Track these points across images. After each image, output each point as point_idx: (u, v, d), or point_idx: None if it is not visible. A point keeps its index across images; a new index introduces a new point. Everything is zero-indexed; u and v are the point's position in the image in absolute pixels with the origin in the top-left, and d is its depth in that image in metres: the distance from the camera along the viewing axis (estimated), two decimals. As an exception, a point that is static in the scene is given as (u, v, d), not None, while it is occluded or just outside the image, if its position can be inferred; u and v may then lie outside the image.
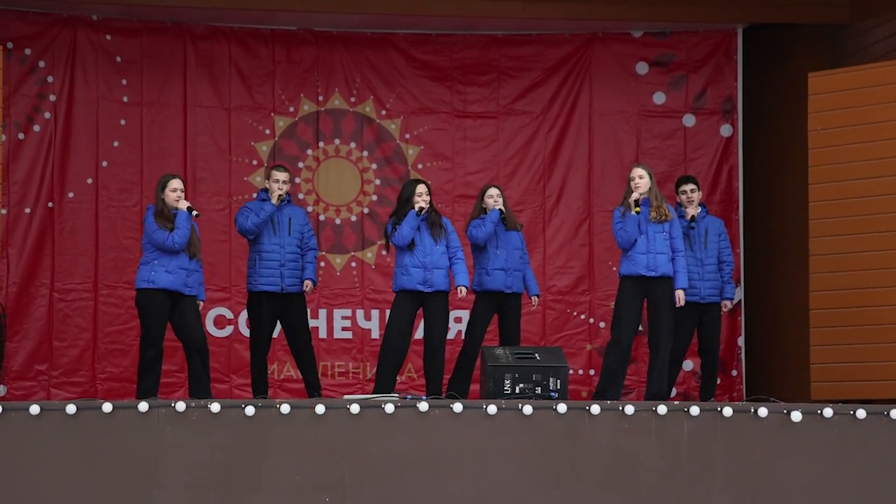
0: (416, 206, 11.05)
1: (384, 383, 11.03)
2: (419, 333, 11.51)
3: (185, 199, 10.75)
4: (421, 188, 11.19)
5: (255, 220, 11.25)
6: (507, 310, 11.55)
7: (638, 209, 10.92)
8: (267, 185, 11.44)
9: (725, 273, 11.79)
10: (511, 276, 11.47)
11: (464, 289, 11.12)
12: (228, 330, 13.24)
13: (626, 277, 11.02)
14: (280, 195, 11.31)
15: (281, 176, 11.39)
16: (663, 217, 11.02)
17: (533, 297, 11.72)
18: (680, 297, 11.06)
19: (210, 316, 13.12)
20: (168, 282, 10.55)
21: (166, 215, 10.60)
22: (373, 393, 10.96)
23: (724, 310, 11.91)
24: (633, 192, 11.01)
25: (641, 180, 11.02)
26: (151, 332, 10.58)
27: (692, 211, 11.67)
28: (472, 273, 11.56)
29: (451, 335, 11.96)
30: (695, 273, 11.60)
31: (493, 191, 11.60)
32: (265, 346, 11.48)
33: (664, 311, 11.01)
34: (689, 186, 11.79)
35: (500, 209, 11.44)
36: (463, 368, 11.50)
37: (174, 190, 10.69)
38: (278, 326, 11.61)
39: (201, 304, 10.88)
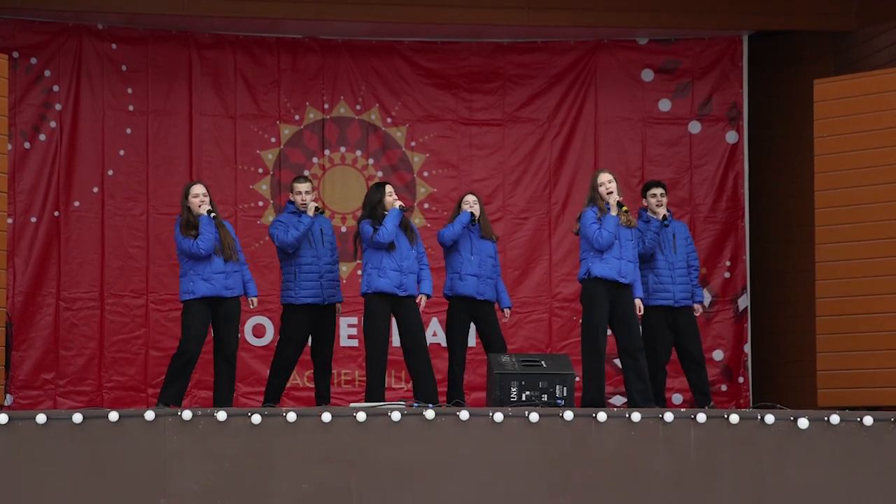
0: (397, 204, 11.03)
1: (378, 388, 10.93)
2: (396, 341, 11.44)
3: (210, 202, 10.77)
4: (390, 188, 11.18)
5: (295, 234, 11.16)
6: (481, 317, 11.49)
7: (626, 209, 10.94)
8: (291, 198, 11.37)
9: (693, 277, 11.80)
10: (483, 283, 11.43)
11: (425, 297, 11.08)
12: (235, 338, 13.24)
13: (597, 279, 10.95)
14: (317, 206, 11.29)
15: (304, 187, 11.34)
16: (632, 223, 11.06)
17: (505, 310, 11.68)
18: (639, 306, 11.12)
19: (216, 324, 13.12)
20: (207, 290, 10.57)
21: (192, 223, 10.63)
22: (366, 399, 10.89)
23: (697, 314, 11.88)
24: (600, 196, 10.99)
25: (612, 184, 11.03)
26: (189, 343, 10.58)
27: (662, 211, 11.66)
28: (445, 278, 11.51)
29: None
30: (666, 276, 11.60)
31: (470, 197, 11.58)
32: (295, 358, 11.39)
33: (634, 317, 11.02)
34: (658, 190, 11.78)
35: (471, 212, 11.41)
36: (455, 378, 11.43)
37: (196, 196, 10.73)
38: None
39: (255, 300, 10.90)
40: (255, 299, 10.93)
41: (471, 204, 11.49)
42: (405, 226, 11.11)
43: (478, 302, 11.43)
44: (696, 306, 11.85)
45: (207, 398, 12.02)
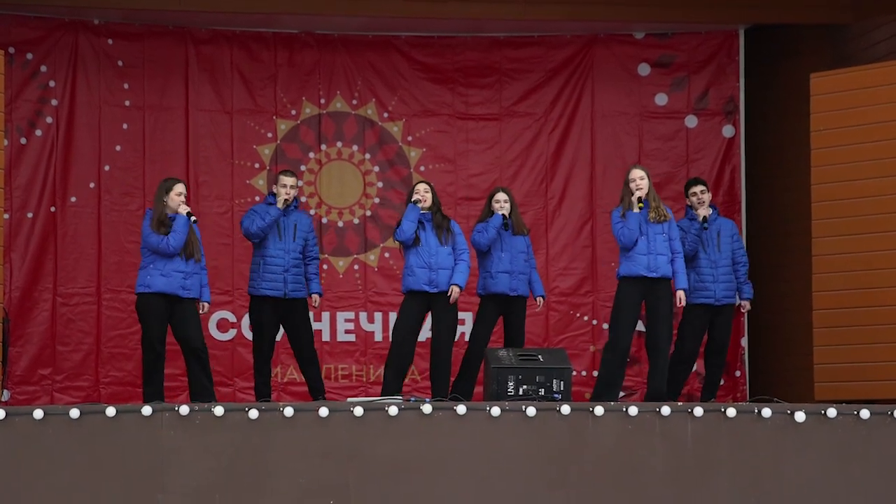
0: (413, 199, 11.08)
1: (392, 384, 11.02)
2: (423, 335, 11.50)
3: (187, 203, 10.76)
4: (420, 186, 11.28)
5: (259, 224, 11.23)
6: (511, 313, 11.55)
7: (641, 205, 10.95)
8: (275, 190, 11.41)
9: (741, 274, 11.79)
10: (516, 279, 11.46)
11: (457, 288, 11.11)
12: (231, 333, 13.24)
13: (626, 278, 11.02)
14: (286, 200, 11.31)
15: (289, 181, 11.36)
16: (662, 217, 11.05)
17: (538, 298, 11.71)
18: (681, 297, 11.08)
19: (213, 319, 13.12)
20: (164, 285, 10.54)
21: (163, 220, 10.60)
22: (381, 395, 10.95)
23: (744, 310, 11.95)
24: (633, 192, 11.03)
25: (643, 181, 11.05)
26: (150, 337, 10.59)
27: (703, 212, 11.65)
28: (478, 277, 11.57)
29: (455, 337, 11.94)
30: (708, 275, 11.60)
31: (501, 195, 11.59)
32: (268, 351, 11.48)
33: (665, 313, 11.03)
34: (699, 188, 11.78)
35: (503, 214, 11.43)
36: (468, 371, 11.50)
37: (179, 194, 10.70)
38: (281, 329, 11.60)
39: (206, 305, 10.87)
40: (206, 304, 10.87)
41: (501, 203, 11.50)
42: (437, 224, 11.16)
43: (510, 298, 11.48)
44: (744, 303, 11.86)
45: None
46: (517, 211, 11.69)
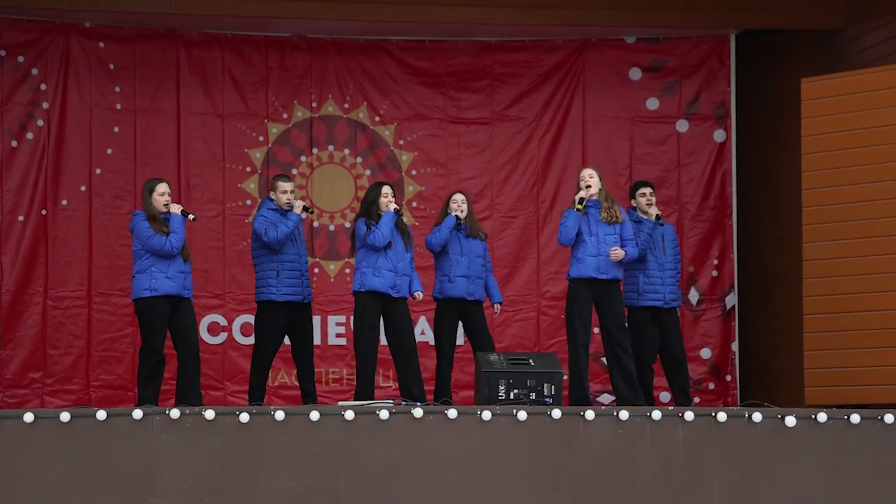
0: (391, 207, 11.02)
1: (368, 387, 10.92)
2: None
3: (174, 202, 10.72)
4: (386, 189, 11.15)
5: (284, 231, 11.08)
6: (470, 317, 11.46)
7: (580, 206, 10.91)
8: (272, 196, 11.31)
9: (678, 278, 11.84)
10: (473, 284, 11.40)
11: (420, 293, 11.08)
12: (222, 337, 13.22)
13: (575, 280, 11.00)
14: (305, 205, 11.26)
15: (288, 186, 11.29)
16: (614, 219, 11.04)
17: (496, 305, 11.67)
18: (619, 254, 11.02)
19: (204, 323, 13.10)
20: (170, 287, 10.53)
21: (159, 220, 10.58)
22: (355, 398, 10.88)
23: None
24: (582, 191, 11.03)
25: (591, 180, 11.04)
26: (154, 341, 10.55)
27: (655, 211, 11.65)
28: (434, 280, 11.51)
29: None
30: (657, 277, 11.59)
31: (458, 196, 11.51)
32: (272, 357, 11.37)
33: (619, 314, 11.02)
34: (647, 189, 11.74)
35: (455, 215, 11.38)
36: (444, 376, 11.42)
37: (162, 194, 10.68)
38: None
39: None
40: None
41: (458, 203, 11.45)
42: (401, 228, 11.10)
43: (467, 302, 11.42)
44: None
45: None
46: (474, 215, 11.62)
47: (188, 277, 10.66)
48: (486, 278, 11.56)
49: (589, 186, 11.03)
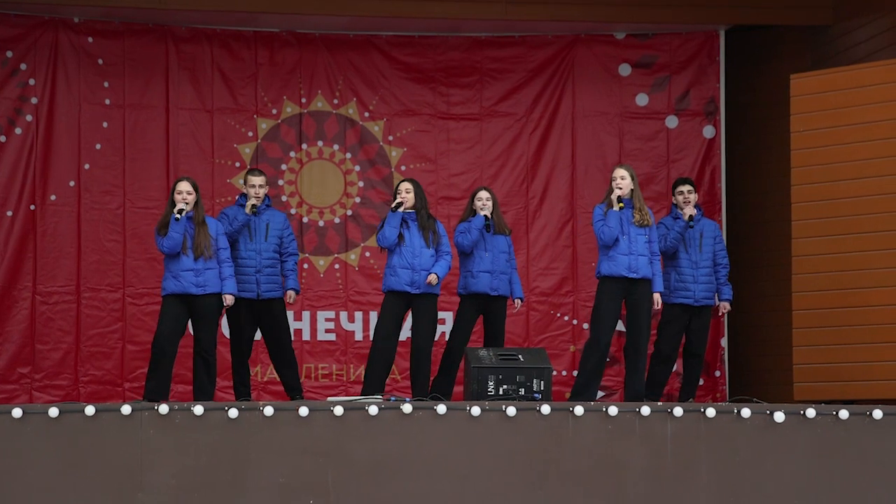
0: (394, 203, 11.05)
1: (373, 384, 10.99)
2: (403, 335, 11.48)
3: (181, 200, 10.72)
4: (402, 185, 11.20)
5: (228, 230, 11.14)
6: (491, 312, 11.53)
7: (622, 205, 10.94)
8: (245, 190, 11.37)
9: (722, 275, 11.80)
10: (497, 279, 11.45)
11: (435, 277, 11.05)
12: (211, 332, 13.20)
13: (606, 278, 11.02)
14: (254, 204, 11.24)
15: (257, 181, 11.31)
16: (645, 222, 11.05)
17: (516, 300, 11.70)
18: (657, 300, 11.10)
19: (192, 318, 13.09)
20: (175, 287, 10.60)
21: (165, 221, 10.64)
22: (361, 394, 10.93)
23: (723, 311, 11.98)
24: (615, 190, 11.05)
25: (623, 181, 11.05)
26: (157, 335, 10.66)
27: (689, 211, 11.66)
28: (458, 276, 11.56)
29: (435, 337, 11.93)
30: (689, 275, 11.61)
31: (483, 194, 11.58)
32: (246, 351, 11.46)
33: (644, 313, 11.04)
34: (685, 187, 11.79)
35: (485, 215, 11.42)
36: (447, 370, 11.50)
37: (179, 192, 10.70)
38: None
39: (228, 297, 10.72)
40: (228, 297, 10.78)
41: (483, 201, 11.48)
42: (423, 225, 11.11)
43: (491, 298, 11.46)
44: (723, 304, 11.87)
45: (185, 392, 12.02)
46: (499, 210, 11.68)
47: (201, 274, 10.61)
48: (511, 273, 11.58)
49: (621, 187, 11.02)
